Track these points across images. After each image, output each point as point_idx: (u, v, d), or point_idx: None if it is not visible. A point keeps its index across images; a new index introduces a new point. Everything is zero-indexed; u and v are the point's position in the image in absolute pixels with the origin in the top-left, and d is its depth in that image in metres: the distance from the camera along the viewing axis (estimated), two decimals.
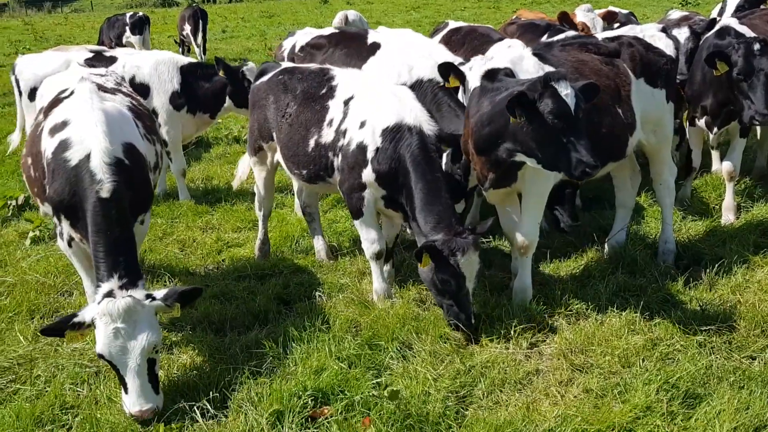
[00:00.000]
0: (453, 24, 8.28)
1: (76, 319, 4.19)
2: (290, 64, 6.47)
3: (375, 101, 5.45)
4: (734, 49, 6.14)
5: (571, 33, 7.96)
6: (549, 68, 5.41)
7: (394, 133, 5.22)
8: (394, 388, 4.26)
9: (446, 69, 5.64)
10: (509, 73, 5.19)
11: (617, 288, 5.56)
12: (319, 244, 6.65)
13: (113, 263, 4.34)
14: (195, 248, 7.09)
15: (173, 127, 8.17)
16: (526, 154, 4.77)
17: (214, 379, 4.64)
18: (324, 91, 5.77)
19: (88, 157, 4.52)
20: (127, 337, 4.14)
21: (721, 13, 8.79)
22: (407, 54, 6.32)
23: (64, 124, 4.74)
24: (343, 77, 5.84)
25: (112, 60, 8.31)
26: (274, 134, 6.04)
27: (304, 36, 7.99)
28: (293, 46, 8.00)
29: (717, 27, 6.98)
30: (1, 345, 5.20)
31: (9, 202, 8.28)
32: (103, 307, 4.14)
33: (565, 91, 4.50)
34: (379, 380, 4.46)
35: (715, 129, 6.92)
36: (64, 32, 29.99)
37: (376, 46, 6.72)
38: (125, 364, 4.16)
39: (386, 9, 34.30)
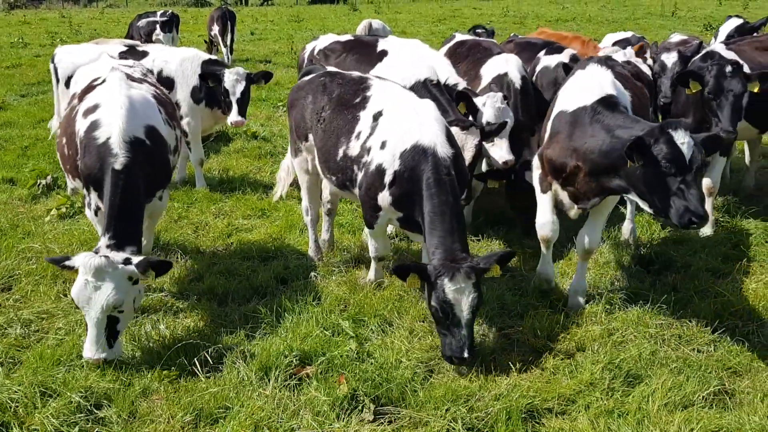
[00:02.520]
0: (460, 37, 8.85)
1: (68, 262, 4.81)
2: (335, 69, 6.61)
3: (397, 120, 5.41)
4: (707, 69, 6.64)
5: (571, 51, 8.50)
6: (618, 84, 5.69)
7: (411, 156, 5.16)
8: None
9: (458, 97, 6.30)
10: (617, 102, 5.34)
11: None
12: (325, 236, 7.10)
13: (108, 225, 4.97)
14: (207, 231, 7.68)
15: (193, 119, 8.77)
16: (638, 195, 4.95)
17: (213, 339, 5.22)
18: (357, 100, 5.77)
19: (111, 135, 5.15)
20: (93, 290, 4.70)
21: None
22: (409, 60, 6.89)
23: (95, 107, 5.40)
24: (378, 89, 5.82)
25: (144, 54, 8.97)
26: (310, 135, 6.16)
27: (323, 40, 8.63)
28: (313, 49, 8.65)
29: (703, 51, 7.45)
30: (28, 302, 5.85)
31: (39, 181, 8.92)
32: (81, 258, 4.76)
33: (682, 139, 4.62)
34: (357, 346, 5.03)
35: None
36: (99, 26, 30.94)
37: (384, 53, 7.33)
38: (88, 313, 4.74)
39: (413, 19, 34.92)
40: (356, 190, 5.65)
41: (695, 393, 4.51)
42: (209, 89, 8.73)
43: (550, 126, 5.73)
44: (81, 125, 5.35)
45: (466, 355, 4.74)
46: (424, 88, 6.55)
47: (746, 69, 6.85)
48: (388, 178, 5.25)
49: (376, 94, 5.74)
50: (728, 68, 6.54)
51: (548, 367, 4.90)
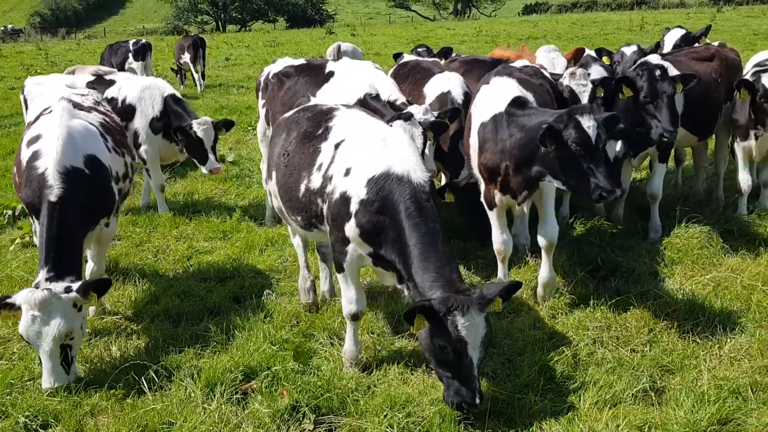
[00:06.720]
0: (405, 57, 9.11)
1: (9, 300, 4.88)
2: (316, 102, 6.25)
3: (362, 146, 5.02)
4: (639, 75, 6.93)
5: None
6: (521, 86, 6.17)
7: (381, 183, 4.74)
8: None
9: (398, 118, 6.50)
10: (526, 101, 5.83)
11: (533, 291, 6.27)
12: (323, 286, 6.62)
13: (45, 258, 5.05)
14: (167, 254, 7.79)
15: (150, 147, 8.88)
16: (553, 177, 5.41)
17: (163, 359, 5.34)
18: (320, 131, 5.38)
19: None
20: (42, 324, 4.79)
21: (655, 50, 9.44)
22: (352, 80, 7.14)
23: (37, 138, 5.56)
24: (342, 118, 5.43)
25: (111, 83, 9.12)
26: (273, 173, 5.78)
27: (278, 65, 8.81)
28: (268, 74, 8.83)
29: (638, 62, 7.68)
30: None
31: (5, 212, 9.02)
32: (24, 295, 4.83)
33: (588, 123, 5.07)
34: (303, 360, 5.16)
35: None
36: (75, 57, 31.09)
37: (330, 75, 7.57)
38: (40, 346, 4.83)
39: (387, 41, 35.43)
40: (324, 227, 5.23)
41: (625, 391, 4.69)
42: (168, 121, 8.85)
43: (477, 139, 6.04)
44: (24, 155, 5.50)
45: (478, 401, 4.32)
46: (365, 104, 6.75)
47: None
48: (353, 207, 4.80)
49: (339, 124, 5.36)
50: (657, 72, 6.86)
51: (488, 371, 5.05)
